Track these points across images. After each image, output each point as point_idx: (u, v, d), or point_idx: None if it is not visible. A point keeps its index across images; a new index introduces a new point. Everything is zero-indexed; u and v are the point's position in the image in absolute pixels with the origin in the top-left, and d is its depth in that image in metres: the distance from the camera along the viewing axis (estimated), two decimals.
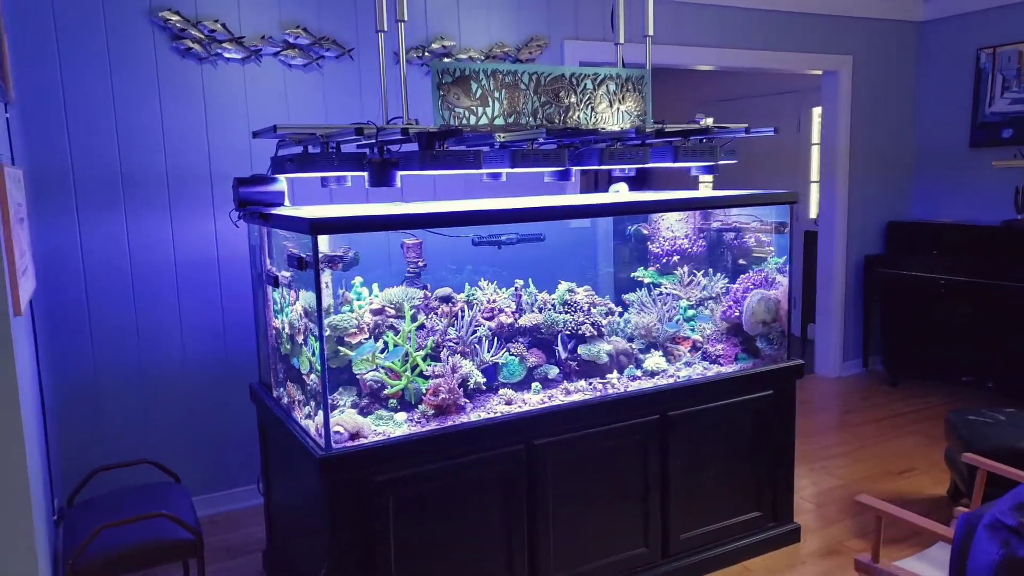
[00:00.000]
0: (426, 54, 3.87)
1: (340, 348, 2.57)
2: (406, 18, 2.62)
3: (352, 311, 2.71)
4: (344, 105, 3.71)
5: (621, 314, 3.15)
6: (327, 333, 2.61)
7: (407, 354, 2.60)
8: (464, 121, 2.69)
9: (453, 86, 2.66)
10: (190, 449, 3.58)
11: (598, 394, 2.78)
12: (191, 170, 3.45)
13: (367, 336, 2.65)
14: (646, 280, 3.33)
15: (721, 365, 3.08)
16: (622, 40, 3.20)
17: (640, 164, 2.82)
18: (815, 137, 6.53)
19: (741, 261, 3.29)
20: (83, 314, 3.31)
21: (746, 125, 2.97)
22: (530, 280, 3.05)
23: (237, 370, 3.59)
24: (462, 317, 2.76)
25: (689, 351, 3.13)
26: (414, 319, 2.68)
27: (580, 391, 2.80)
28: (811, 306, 6.00)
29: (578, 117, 2.90)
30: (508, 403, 2.67)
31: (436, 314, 2.76)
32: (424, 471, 2.44)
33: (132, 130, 3.32)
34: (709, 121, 2.95)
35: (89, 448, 3.32)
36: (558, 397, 2.75)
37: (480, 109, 2.71)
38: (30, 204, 2.99)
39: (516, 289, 2.99)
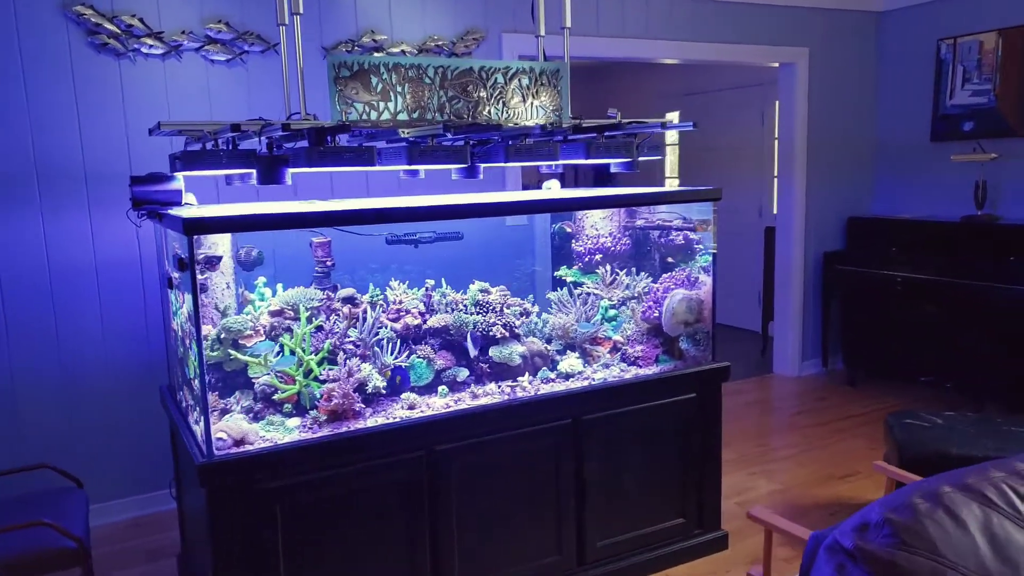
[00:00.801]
0: (356, 48, 3.79)
1: (230, 351, 2.50)
2: (301, 11, 2.54)
3: (251, 313, 2.64)
4: (270, 101, 3.63)
5: (540, 314, 3.08)
6: (223, 336, 2.54)
7: (301, 359, 2.53)
8: (364, 116, 2.61)
9: (351, 80, 2.58)
10: (115, 450, 3.51)
11: (506, 397, 2.71)
12: (110, 168, 3.38)
13: (262, 339, 2.58)
14: (569, 279, 3.25)
15: (640, 367, 3.00)
16: (543, 32, 3.12)
17: (549, 160, 2.74)
18: (778, 132, 6.44)
19: (669, 260, 3.22)
20: None
21: (663, 120, 2.89)
22: (443, 280, 2.98)
23: (160, 373, 3.52)
24: (364, 319, 2.69)
25: (609, 352, 3.05)
26: (310, 321, 2.61)
27: (489, 394, 2.73)
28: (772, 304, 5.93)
29: (488, 112, 2.82)
30: (411, 407, 2.61)
31: (337, 315, 2.69)
32: (315, 479, 2.37)
33: (47, 128, 3.25)
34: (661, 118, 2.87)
35: (3, 453, 3.26)
36: (465, 401, 2.68)
37: (382, 104, 2.64)
38: None
39: (427, 289, 2.91)
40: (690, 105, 7.27)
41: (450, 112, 2.76)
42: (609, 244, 3.27)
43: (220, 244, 2.71)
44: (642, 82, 7.88)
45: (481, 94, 2.80)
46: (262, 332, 2.58)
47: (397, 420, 2.52)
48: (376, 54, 3.85)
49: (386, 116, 2.65)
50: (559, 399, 2.77)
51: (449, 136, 2.71)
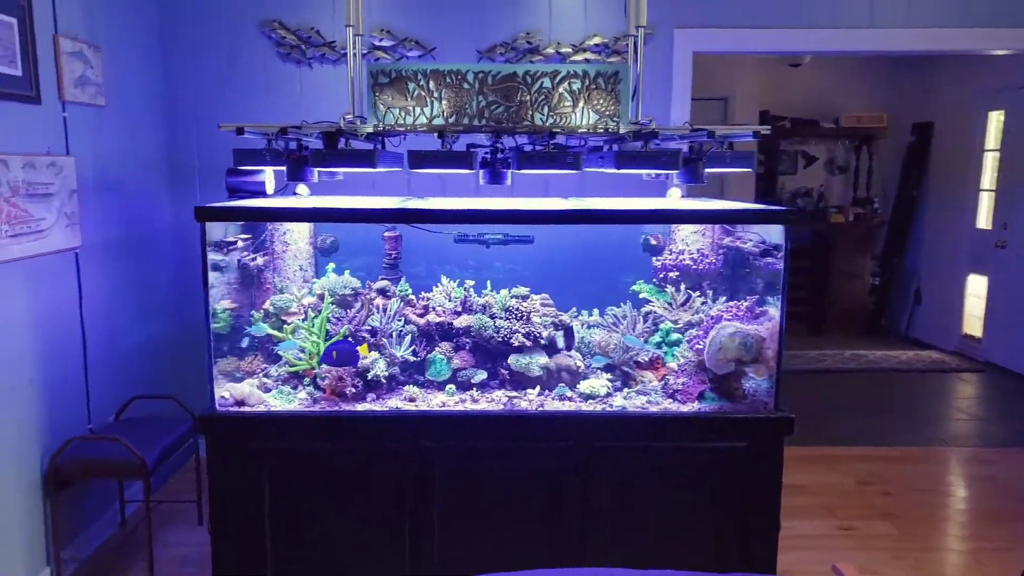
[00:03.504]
0: (510, 51, 3.90)
1: (262, 324, 2.85)
2: (352, 22, 2.76)
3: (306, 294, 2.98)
4: None
5: (587, 327, 2.93)
6: (271, 311, 2.92)
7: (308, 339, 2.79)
8: (399, 121, 2.76)
9: (388, 87, 2.75)
10: None
11: (501, 407, 2.67)
12: None
13: (303, 317, 2.89)
14: (642, 295, 3.02)
15: (678, 401, 2.70)
16: (635, 30, 2.94)
17: (571, 169, 2.59)
18: None
19: (746, 286, 2.82)
20: None
21: (711, 129, 2.54)
22: (488, 282, 3.00)
23: None
24: (385, 311, 2.85)
25: (660, 380, 2.79)
26: (340, 305, 2.86)
27: (493, 401, 2.71)
28: None
29: (531, 117, 2.76)
30: (411, 400, 2.71)
31: (370, 305, 2.89)
32: (299, 448, 2.62)
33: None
34: (689, 125, 2.59)
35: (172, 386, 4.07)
36: (466, 403, 2.70)
37: (417, 109, 2.75)
38: (165, 187, 3.84)
39: (466, 290, 2.96)
40: (1022, 101, 5.94)
41: (489, 117, 2.76)
42: (689, 262, 2.96)
43: (295, 231, 3.09)
44: (963, 75, 6.61)
45: (525, 98, 2.76)
46: (302, 311, 2.89)
47: (385, 409, 2.65)
48: (535, 57, 3.92)
49: (421, 120, 2.76)
50: (563, 419, 2.64)
51: (486, 140, 2.75)
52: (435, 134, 2.71)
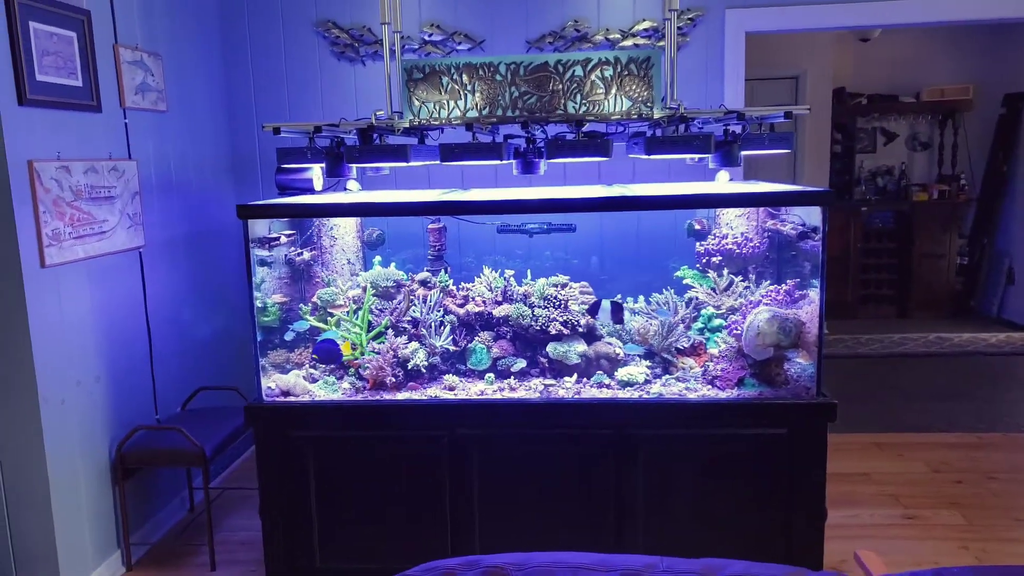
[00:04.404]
0: (559, 40, 3.89)
1: (306, 317, 2.95)
2: (388, 20, 2.82)
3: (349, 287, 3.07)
4: None
5: (634, 313, 2.91)
6: (318, 303, 3.02)
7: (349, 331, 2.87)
8: (434, 116, 2.80)
9: (422, 83, 2.79)
10: None
11: (537, 395, 2.68)
12: None
13: (347, 309, 2.98)
14: (686, 280, 2.98)
15: (716, 387, 2.65)
16: (668, 14, 2.89)
17: (600, 157, 2.57)
18: None
19: (787, 270, 2.74)
20: None
21: (735, 111, 2.48)
22: (529, 271, 3.01)
23: None
24: (426, 301, 2.90)
25: (701, 366, 2.76)
26: (383, 297, 2.93)
27: (531, 389, 2.73)
28: None
29: (564, 105, 2.75)
30: (450, 389, 2.76)
31: (411, 296, 2.95)
32: (341, 436, 2.71)
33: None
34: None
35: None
36: (504, 392, 2.73)
37: (451, 103, 2.79)
38: (227, 186, 4.03)
39: (506, 280, 2.98)
40: None
41: (522, 107, 2.77)
42: (732, 246, 2.90)
43: (342, 226, 3.18)
44: None
45: (558, 87, 2.75)
46: (347, 303, 2.98)
47: (423, 398, 2.71)
48: (584, 45, 3.89)
49: (456, 114, 2.80)
50: (598, 407, 2.64)
51: (524, 131, 2.76)
52: (466, 126, 2.74)
